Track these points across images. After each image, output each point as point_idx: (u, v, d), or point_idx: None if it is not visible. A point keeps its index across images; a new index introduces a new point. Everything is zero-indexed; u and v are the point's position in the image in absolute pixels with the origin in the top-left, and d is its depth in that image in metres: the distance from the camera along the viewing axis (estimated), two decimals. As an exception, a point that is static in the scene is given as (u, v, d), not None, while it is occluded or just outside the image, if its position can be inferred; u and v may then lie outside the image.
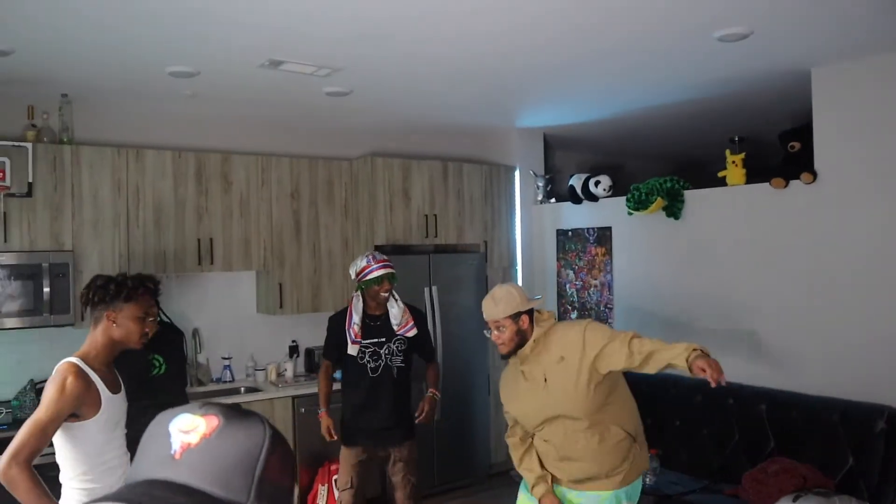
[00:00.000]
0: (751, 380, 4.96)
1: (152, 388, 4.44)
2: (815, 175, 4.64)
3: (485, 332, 3.35)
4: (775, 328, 4.91)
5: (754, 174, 5.14)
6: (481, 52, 4.21)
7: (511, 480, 3.81)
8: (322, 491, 5.39)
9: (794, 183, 4.77)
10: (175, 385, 4.57)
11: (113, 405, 2.75)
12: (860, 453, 4.24)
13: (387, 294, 4.37)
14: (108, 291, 2.78)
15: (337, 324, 4.48)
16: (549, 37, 3.94)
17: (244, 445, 0.95)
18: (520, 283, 6.93)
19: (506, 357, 3.35)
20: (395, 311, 4.42)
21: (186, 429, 0.95)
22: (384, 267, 4.33)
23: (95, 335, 2.80)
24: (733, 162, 5.18)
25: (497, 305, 3.25)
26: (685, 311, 5.48)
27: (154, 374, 4.52)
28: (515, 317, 3.23)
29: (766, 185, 4.91)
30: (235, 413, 1.00)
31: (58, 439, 2.67)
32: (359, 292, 4.41)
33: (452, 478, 6.22)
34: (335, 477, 5.42)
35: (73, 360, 2.71)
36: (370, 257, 4.37)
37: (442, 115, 6.08)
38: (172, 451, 0.94)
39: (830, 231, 4.61)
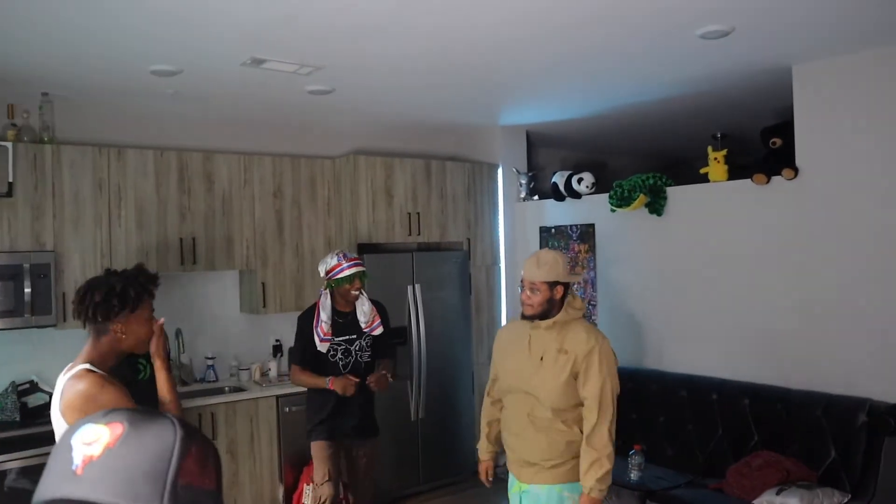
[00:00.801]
0: (734, 375, 5.00)
1: (137, 393, 4.44)
2: (796, 171, 4.68)
3: (517, 286, 3.38)
4: (757, 323, 4.94)
5: (736, 170, 5.18)
6: (464, 51, 4.21)
7: (497, 478, 3.80)
8: (307, 490, 5.37)
9: (775, 179, 4.80)
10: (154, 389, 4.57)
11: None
12: (842, 446, 4.28)
13: (357, 293, 4.38)
14: (112, 308, 2.51)
15: (307, 324, 4.45)
16: (532, 35, 3.94)
17: (152, 451, 0.90)
18: (503, 281, 6.95)
19: (527, 318, 3.32)
20: (365, 309, 4.44)
21: (89, 440, 0.90)
22: (355, 266, 4.33)
23: (100, 345, 2.56)
24: (715, 158, 5.20)
25: (540, 268, 3.24)
26: (668, 306, 5.52)
27: (139, 378, 4.51)
28: (553, 284, 3.24)
29: (748, 181, 4.94)
30: (143, 417, 0.94)
31: None
32: (327, 290, 4.41)
33: (437, 476, 6.22)
34: (306, 486, 5.40)
35: (87, 366, 2.53)
36: (340, 255, 4.36)
37: (424, 113, 6.08)
38: (74, 466, 0.89)
39: (812, 226, 4.65)
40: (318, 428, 4.47)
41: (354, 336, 4.44)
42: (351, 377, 4.32)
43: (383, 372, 4.42)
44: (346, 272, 4.30)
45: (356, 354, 4.44)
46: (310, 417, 4.52)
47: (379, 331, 4.50)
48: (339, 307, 4.44)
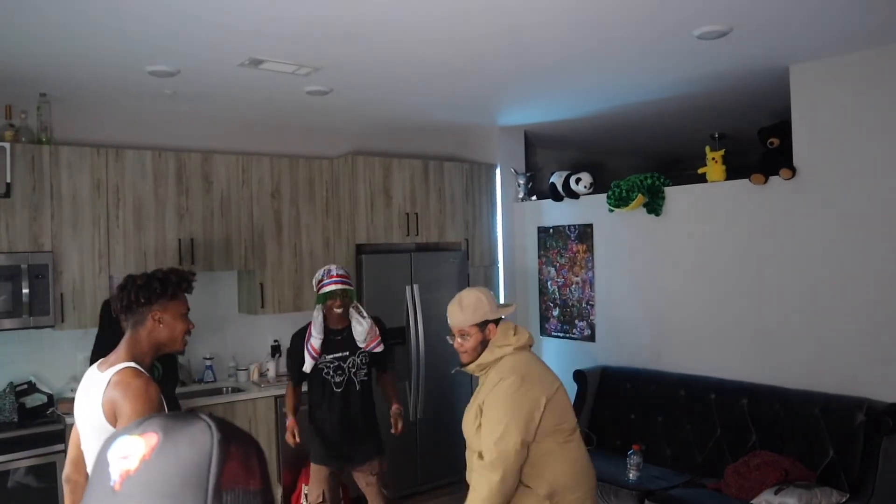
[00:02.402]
0: (732, 374, 5.01)
1: None
2: (794, 171, 4.68)
3: (447, 337, 3.12)
4: (755, 323, 4.95)
5: (734, 170, 5.19)
6: (462, 51, 4.21)
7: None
8: (306, 490, 5.36)
9: (773, 179, 4.81)
10: (167, 388, 4.59)
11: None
12: (840, 446, 4.28)
13: (340, 310, 4.28)
14: (153, 290, 2.54)
15: (299, 341, 4.39)
16: (530, 36, 3.94)
17: (189, 459, 0.86)
18: (501, 280, 6.95)
19: (465, 366, 3.08)
20: (361, 329, 4.32)
21: (125, 454, 0.87)
22: (338, 282, 4.23)
23: (138, 339, 2.55)
24: (713, 158, 5.21)
25: (464, 311, 3.03)
26: (666, 306, 5.52)
27: (156, 379, 4.54)
28: (482, 325, 3.02)
29: (746, 181, 4.95)
30: (177, 423, 0.90)
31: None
32: (319, 306, 4.35)
33: (436, 476, 6.21)
34: (304, 486, 5.39)
35: (132, 365, 2.50)
36: (327, 271, 4.29)
37: (422, 113, 6.08)
38: (112, 482, 0.86)
39: (809, 226, 4.66)
40: (316, 450, 4.43)
41: (348, 353, 4.33)
42: (293, 430, 4.32)
43: (395, 410, 4.38)
44: (328, 288, 4.23)
45: (349, 372, 4.33)
46: (309, 437, 4.45)
47: (380, 349, 4.39)
48: (331, 324, 4.35)
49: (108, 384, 2.42)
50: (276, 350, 6.11)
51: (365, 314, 4.39)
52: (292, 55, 4.19)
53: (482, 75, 4.83)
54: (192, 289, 2.68)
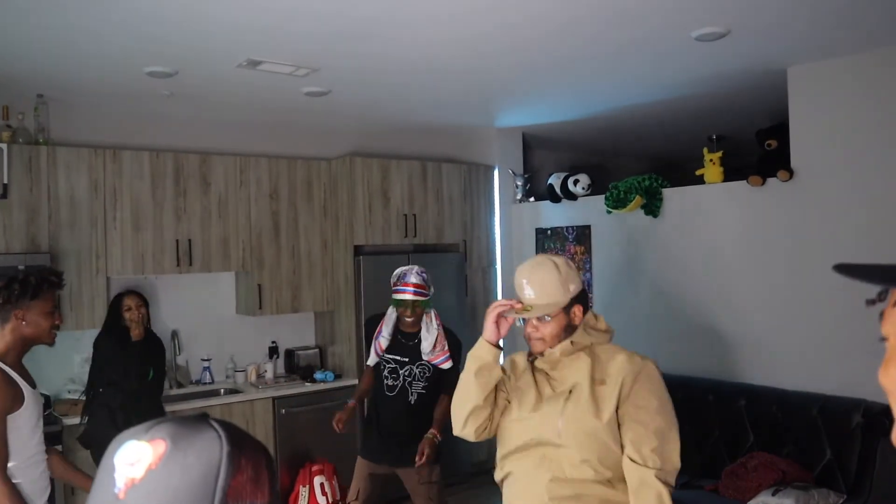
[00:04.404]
0: (730, 376, 5.01)
1: (142, 392, 4.56)
2: (791, 173, 4.69)
3: (516, 321, 2.41)
4: (754, 324, 4.95)
5: (732, 172, 5.19)
6: (460, 52, 4.21)
7: (492, 479, 3.79)
8: (303, 492, 5.37)
9: (771, 181, 4.81)
10: (154, 392, 4.68)
11: (34, 399, 2.78)
12: (838, 447, 4.28)
13: (410, 319, 4.03)
14: (13, 291, 2.74)
15: (371, 330, 4.23)
16: (528, 37, 3.95)
17: (196, 471, 0.84)
18: (499, 282, 6.94)
19: (535, 357, 2.44)
20: (428, 336, 4.05)
21: (131, 460, 0.85)
22: (411, 292, 3.94)
23: (4, 335, 2.75)
24: (711, 160, 5.22)
25: (562, 284, 2.34)
26: (664, 308, 5.52)
27: (148, 379, 4.63)
28: (569, 306, 2.36)
29: (744, 182, 4.95)
30: (186, 431, 0.88)
31: None
32: (392, 306, 4.12)
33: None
34: (316, 478, 5.41)
35: None
36: (402, 274, 4.00)
37: (421, 114, 6.08)
38: (116, 490, 0.84)
39: (807, 228, 4.66)
40: (363, 443, 4.31)
41: (407, 360, 4.07)
42: (342, 416, 4.04)
43: (430, 435, 3.93)
44: (398, 295, 3.99)
45: (404, 380, 4.08)
46: (362, 427, 4.28)
47: (447, 365, 4.04)
48: (402, 327, 4.12)
49: None
50: (274, 351, 6.11)
51: (435, 324, 4.09)
52: (290, 56, 4.19)
53: (481, 76, 4.83)
54: (59, 286, 2.91)
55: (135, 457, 0.85)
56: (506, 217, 6.94)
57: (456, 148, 7.09)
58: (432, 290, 4.07)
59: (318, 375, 5.84)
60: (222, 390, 5.63)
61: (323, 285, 6.03)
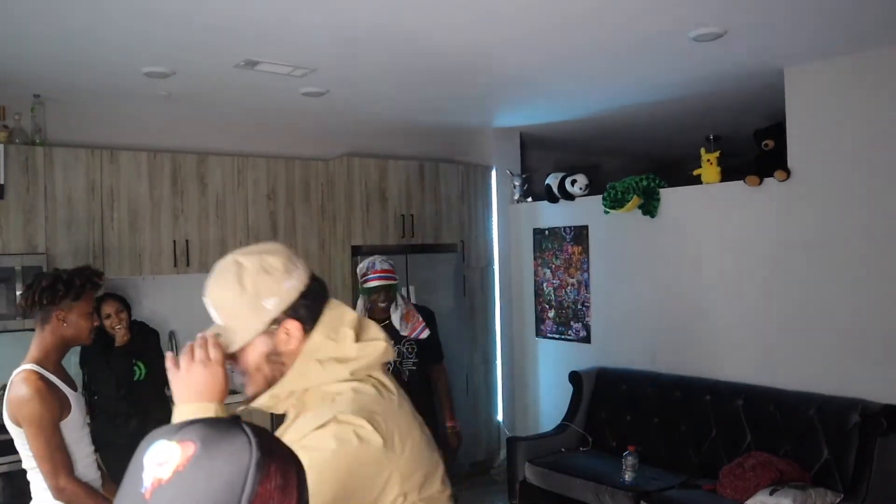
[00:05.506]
0: (727, 376, 5.01)
1: (133, 394, 4.48)
2: (788, 173, 4.69)
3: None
4: (751, 324, 4.96)
5: (729, 172, 5.19)
6: (457, 53, 4.21)
7: (490, 479, 3.80)
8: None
9: (768, 180, 4.82)
10: (155, 389, 4.58)
11: (78, 402, 2.77)
12: (835, 447, 4.29)
13: (384, 304, 4.24)
14: (57, 291, 2.70)
15: None
16: (526, 37, 3.95)
17: (224, 477, 0.82)
18: (497, 282, 6.94)
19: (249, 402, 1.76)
20: (397, 318, 4.28)
21: (160, 460, 0.84)
22: (382, 278, 4.19)
23: (45, 336, 2.73)
24: (708, 160, 5.22)
25: (225, 309, 1.65)
26: (661, 308, 5.53)
27: (135, 380, 4.52)
28: (271, 325, 1.58)
29: (741, 182, 4.96)
30: (217, 434, 0.86)
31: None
32: (363, 297, 4.30)
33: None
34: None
35: (32, 367, 2.67)
36: (371, 264, 4.23)
37: (418, 115, 6.07)
38: (143, 489, 0.83)
39: (804, 228, 4.67)
40: None
41: (392, 342, 4.21)
42: None
43: (450, 428, 4.30)
44: (371, 283, 4.18)
45: (395, 362, 4.20)
46: None
47: (425, 334, 4.31)
48: (375, 315, 4.24)
49: (10, 383, 2.63)
50: (271, 352, 6.10)
51: (400, 302, 4.32)
52: (288, 57, 4.18)
53: (478, 77, 4.83)
54: (100, 286, 2.85)
55: (163, 457, 0.84)
56: (503, 217, 6.93)
57: (453, 148, 7.09)
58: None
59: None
60: (220, 391, 5.61)
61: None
